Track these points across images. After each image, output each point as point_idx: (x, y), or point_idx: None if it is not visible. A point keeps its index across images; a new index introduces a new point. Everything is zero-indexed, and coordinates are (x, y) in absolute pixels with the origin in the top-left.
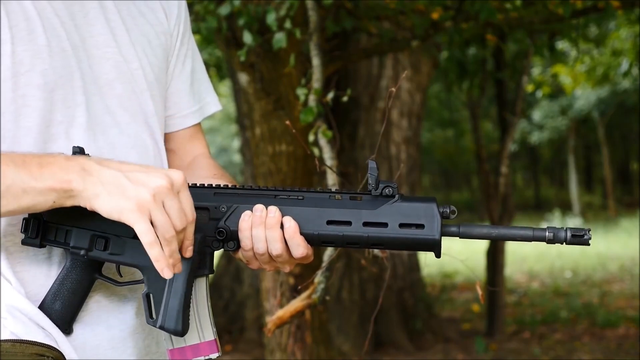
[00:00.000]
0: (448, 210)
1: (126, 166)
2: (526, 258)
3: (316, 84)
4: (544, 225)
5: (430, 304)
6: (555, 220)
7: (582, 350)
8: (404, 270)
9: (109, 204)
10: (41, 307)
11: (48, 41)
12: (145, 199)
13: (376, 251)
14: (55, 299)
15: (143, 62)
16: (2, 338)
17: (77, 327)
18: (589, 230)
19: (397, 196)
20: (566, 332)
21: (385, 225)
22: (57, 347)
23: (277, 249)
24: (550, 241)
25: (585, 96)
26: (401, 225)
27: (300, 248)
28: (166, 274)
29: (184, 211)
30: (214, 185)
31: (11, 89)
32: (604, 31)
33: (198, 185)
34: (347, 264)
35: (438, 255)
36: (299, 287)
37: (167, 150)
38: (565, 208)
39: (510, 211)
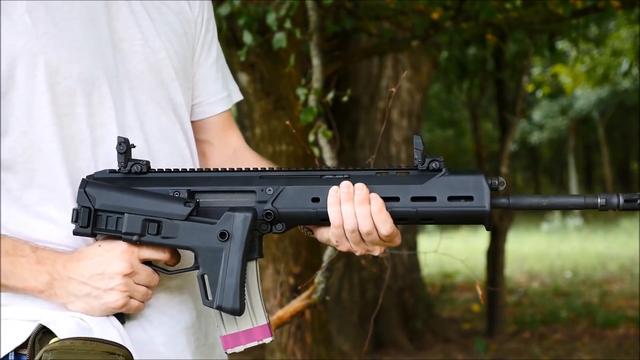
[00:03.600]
0: (497, 182)
1: (86, 267)
2: (526, 258)
3: (316, 84)
4: (544, 225)
5: (430, 304)
6: (555, 220)
7: (582, 350)
8: (404, 270)
9: (93, 310)
10: None
11: (78, 43)
12: (122, 298)
13: None
14: None
15: (170, 52)
16: (73, 335)
17: (130, 325)
18: None
19: (444, 170)
20: (566, 332)
21: (433, 199)
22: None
23: (366, 225)
24: (603, 207)
25: (585, 96)
26: (450, 199)
27: (387, 224)
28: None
29: (151, 275)
30: (259, 169)
31: (50, 101)
32: (604, 31)
33: (244, 169)
34: (347, 264)
35: (489, 228)
36: (299, 287)
37: (202, 141)
38: None
39: (510, 211)
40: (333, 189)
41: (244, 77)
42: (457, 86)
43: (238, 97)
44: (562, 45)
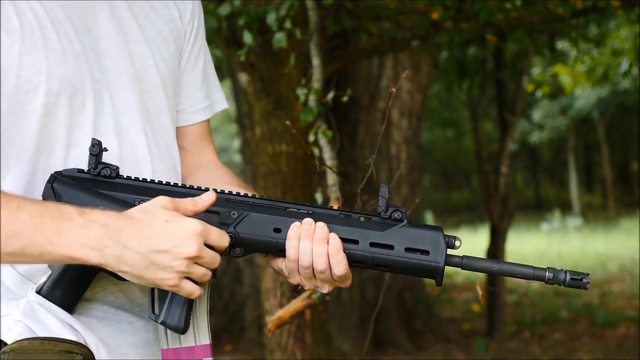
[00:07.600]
0: (454, 240)
1: (149, 240)
2: (526, 258)
3: (316, 84)
4: (544, 225)
5: (430, 304)
6: (555, 220)
7: (582, 350)
8: None
9: (142, 280)
10: (39, 292)
11: (63, 47)
12: (176, 278)
13: None
14: (57, 286)
15: (157, 59)
16: (28, 336)
17: (87, 323)
18: (588, 275)
19: (405, 221)
20: (566, 332)
21: (391, 247)
22: (85, 344)
23: (321, 264)
24: (550, 281)
25: (585, 96)
26: (407, 250)
27: (341, 266)
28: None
29: (214, 257)
30: (226, 192)
31: (32, 99)
32: (604, 31)
33: (211, 189)
34: None
35: (439, 284)
36: (299, 287)
37: (179, 147)
38: (565, 208)
39: (510, 211)
40: (295, 224)
41: (244, 77)
42: (457, 86)
43: (222, 106)
44: (562, 45)
